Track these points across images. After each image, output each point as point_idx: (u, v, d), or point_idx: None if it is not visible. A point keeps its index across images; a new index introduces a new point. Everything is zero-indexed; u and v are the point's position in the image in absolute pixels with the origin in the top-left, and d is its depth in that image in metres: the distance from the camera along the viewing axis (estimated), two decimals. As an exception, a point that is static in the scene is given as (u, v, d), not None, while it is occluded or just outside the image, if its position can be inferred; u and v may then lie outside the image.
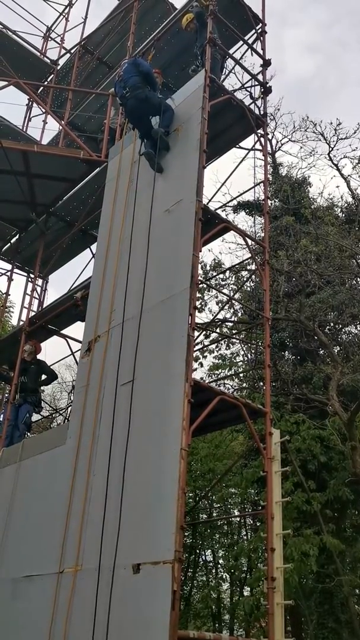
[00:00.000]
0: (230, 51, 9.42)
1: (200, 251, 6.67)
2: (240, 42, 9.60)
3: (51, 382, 10.69)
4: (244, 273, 15.79)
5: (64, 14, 15.50)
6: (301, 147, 19.32)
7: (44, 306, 11.34)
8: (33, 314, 10.88)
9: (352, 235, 15.06)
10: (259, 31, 9.62)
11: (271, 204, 16.84)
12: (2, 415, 10.27)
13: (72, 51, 13.38)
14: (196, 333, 7.93)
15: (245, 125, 8.59)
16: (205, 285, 14.56)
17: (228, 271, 15.60)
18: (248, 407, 6.60)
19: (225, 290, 15.50)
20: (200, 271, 13.18)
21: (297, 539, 10.82)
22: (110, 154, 9.36)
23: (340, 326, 15.74)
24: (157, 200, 7.46)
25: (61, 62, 13.98)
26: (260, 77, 9.22)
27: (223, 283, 15.82)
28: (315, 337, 14.43)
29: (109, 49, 12.29)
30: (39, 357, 10.26)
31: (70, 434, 7.26)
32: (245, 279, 15.54)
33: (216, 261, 16.00)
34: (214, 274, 15.48)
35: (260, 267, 7.97)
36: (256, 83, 9.18)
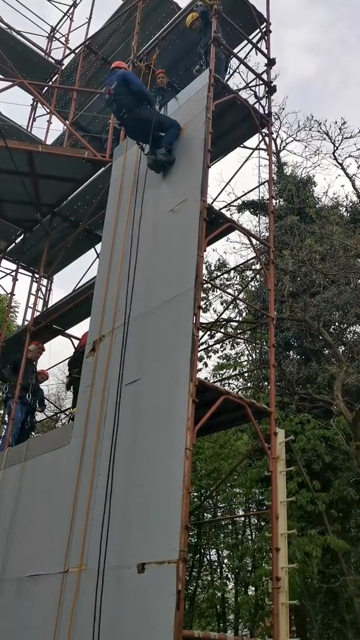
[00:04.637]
0: (235, 50, 9.40)
1: (205, 251, 6.67)
2: (245, 42, 9.59)
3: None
4: (249, 273, 15.79)
5: (68, 14, 15.52)
6: (306, 147, 19.44)
7: (49, 306, 11.36)
8: (38, 313, 10.90)
9: (357, 235, 15.04)
10: (263, 30, 9.61)
11: (276, 203, 16.82)
12: (7, 416, 10.30)
13: (76, 51, 13.38)
14: (201, 333, 7.92)
15: (250, 124, 8.57)
16: (209, 285, 14.57)
17: (232, 271, 15.62)
18: (253, 407, 6.59)
19: (229, 290, 15.50)
20: (204, 271, 13.27)
21: (301, 539, 10.81)
22: (114, 153, 9.36)
23: (345, 326, 15.72)
24: (162, 199, 7.46)
25: (65, 62, 14.00)
26: (264, 76, 9.21)
27: (228, 283, 15.84)
28: (320, 337, 14.41)
29: (113, 48, 12.28)
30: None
31: (75, 433, 7.27)
32: (249, 279, 15.54)
33: (221, 261, 16.02)
34: (219, 273, 15.48)
35: (265, 267, 7.96)
36: (261, 82, 9.16)
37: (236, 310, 15.92)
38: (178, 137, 7.59)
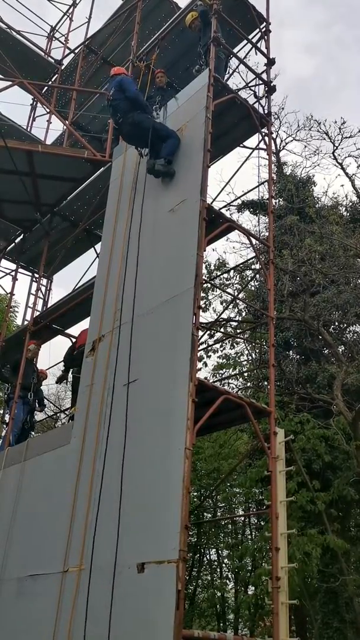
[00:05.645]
0: (235, 50, 9.40)
1: (205, 250, 6.68)
2: (244, 41, 9.59)
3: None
4: (248, 272, 15.79)
5: (68, 14, 15.51)
6: (305, 146, 19.40)
7: (49, 306, 11.37)
8: (38, 313, 10.90)
9: (356, 234, 15.04)
10: (262, 30, 9.60)
11: (275, 203, 16.82)
12: (7, 415, 10.31)
13: (76, 51, 13.37)
14: (200, 332, 7.92)
15: (250, 124, 8.58)
16: (209, 285, 14.56)
17: (232, 270, 15.61)
18: (252, 407, 6.59)
19: (229, 290, 15.50)
20: (204, 270, 13.26)
21: (301, 539, 10.80)
22: (114, 153, 9.37)
23: (345, 325, 15.71)
24: (162, 199, 7.46)
25: (65, 62, 13.99)
26: (264, 76, 9.21)
27: (227, 282, 15.82)
28: (320, 337, 14.41)
29: (113, 48, 12.28)
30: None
31: (75, 433, 7.27)
32: (249, 278, 15.54)
33: (220, 260, 16.00)
34: (218, 273, 15.46)
35: (264, 267, 7.96)
36: (260, 82, 9.17)
37: (236, 310, 15.93)
38: (178, 148, 7.58)
